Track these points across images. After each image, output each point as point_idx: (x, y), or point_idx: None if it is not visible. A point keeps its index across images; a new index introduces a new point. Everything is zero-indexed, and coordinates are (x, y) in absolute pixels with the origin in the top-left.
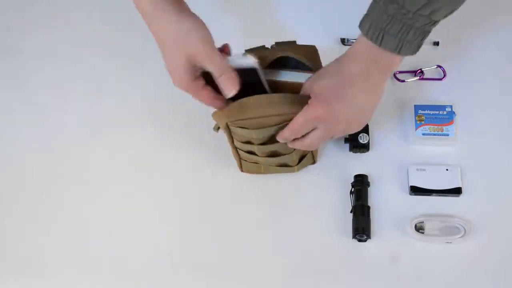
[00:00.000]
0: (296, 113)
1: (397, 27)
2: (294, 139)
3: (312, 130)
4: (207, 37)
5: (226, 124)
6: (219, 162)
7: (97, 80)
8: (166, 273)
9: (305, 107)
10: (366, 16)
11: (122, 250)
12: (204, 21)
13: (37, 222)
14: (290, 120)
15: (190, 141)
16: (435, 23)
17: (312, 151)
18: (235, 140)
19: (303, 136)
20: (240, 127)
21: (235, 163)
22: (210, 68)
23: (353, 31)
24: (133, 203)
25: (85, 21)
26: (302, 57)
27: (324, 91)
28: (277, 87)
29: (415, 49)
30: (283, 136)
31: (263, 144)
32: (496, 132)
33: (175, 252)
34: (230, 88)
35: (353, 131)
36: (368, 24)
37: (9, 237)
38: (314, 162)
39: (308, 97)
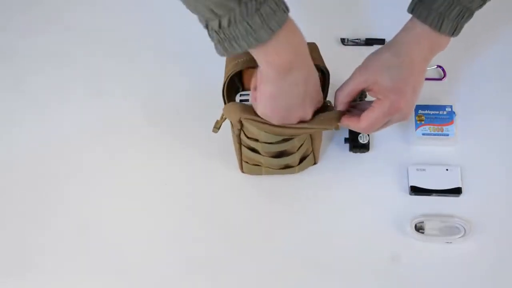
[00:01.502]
0: (310, 128)
1: (457, 11)
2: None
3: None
4: None
5: (240, 119)
6: (219, 162)
7: (97, 80)
8: (166, 273)
9: (380, 102)
10: (419, 2)
11: (122, 250)
12: None
13: (37, 222)
14: (308, 133)
15: (190, 141)
16: (485, 2)
17: (313, 152)
18: (242, 134)
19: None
20: (252, 125)
21: (236, 163)
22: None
23: (353, 31)
24: (133, 203)
25: (85, 20)
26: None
27: (398, 85)
28: None
29: (461, 31)
30: (359, 128)
31: (269, 143)
32: (496, 132)
33: (176, 252)
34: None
35: (411, 113)
36: (426, 11)
37: (9, 237)
38: (315, 163)
39: (340, 113)
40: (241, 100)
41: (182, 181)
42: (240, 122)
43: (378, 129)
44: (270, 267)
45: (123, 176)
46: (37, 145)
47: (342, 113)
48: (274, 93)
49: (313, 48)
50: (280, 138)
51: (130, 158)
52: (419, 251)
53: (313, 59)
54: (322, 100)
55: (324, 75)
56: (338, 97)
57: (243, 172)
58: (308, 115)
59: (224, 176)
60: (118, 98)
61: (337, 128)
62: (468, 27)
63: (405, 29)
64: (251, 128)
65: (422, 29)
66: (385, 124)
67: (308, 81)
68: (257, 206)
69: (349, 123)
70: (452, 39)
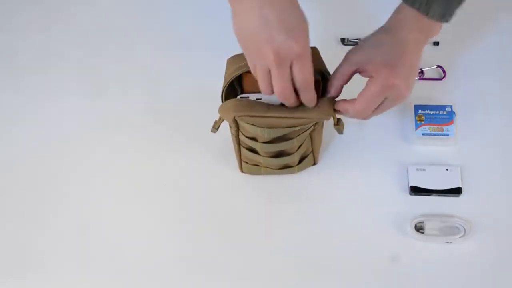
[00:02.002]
0: (305, 118)
1: None
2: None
3: (383, 102)
4: None
5: (234, 118)
6: (220, 162)
7: (97, 80)
8: (166, 273)
9: (374, 79)
10: None
11: (122, 250)
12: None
13: (37, 222)
14: (304, 123)
15: (191, 141)
16: None
17: (313, 153)
18: (240, 134)
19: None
20: (248, 123)
21: (236, 163)
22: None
23: (353, 31)
24: (133, 203)
25: (85, 20)
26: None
27: (390, 62)
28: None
29: (452, 17)
30: (355, 110)
31: (268, 142)
32: (496, 132)
33: (176, 251)
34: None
35: (409, 95)
36: None
37: (9, 237)
38: (315, 163)
39: (332, 99)
40: None
41: (182, 181)
42: (235, 121)
43: (375, 111)
44: (270, 267)
45: (123, 176)
46: (37, 145)
47: (333, 99)
48: (236, 12)
49: (314, 53)
50: (279, 134)
51: (130, 158)
52: (419, 251)
53: (314, 63)
54: (304, 27)
55: (325, 79)
56: (332, 81)
57: (242, 172)
58: (290, 46)
59: (224, 176)
60: (118, 98)
61: (339, 131)
62: (468, 27)
63: (395, 12)
64: (247, 127)
65: (411, 13)
66: (382, 106)
67: (263, 5)
68: (257, 206)
69: (346, 105)
70: (453, 39)
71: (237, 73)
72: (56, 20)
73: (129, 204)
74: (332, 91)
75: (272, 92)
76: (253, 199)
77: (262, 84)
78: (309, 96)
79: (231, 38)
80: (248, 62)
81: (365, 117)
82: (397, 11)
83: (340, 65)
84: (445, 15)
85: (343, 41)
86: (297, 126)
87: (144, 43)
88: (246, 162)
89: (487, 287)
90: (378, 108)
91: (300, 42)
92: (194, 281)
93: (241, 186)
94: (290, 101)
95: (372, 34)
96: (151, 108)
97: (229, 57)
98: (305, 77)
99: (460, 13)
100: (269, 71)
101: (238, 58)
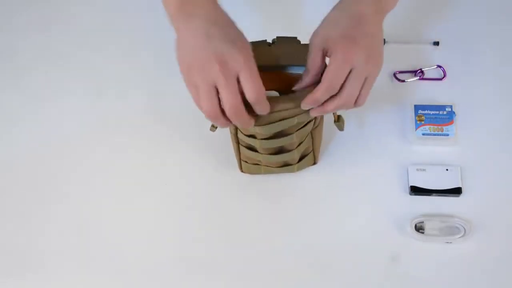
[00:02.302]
0: (298, 107)
1: None
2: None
3: (347, 79)
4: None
5: None
6: (220, 162)
7: (97, 80)
8: (166, 272)
9: (334, 53)
10: None
11: (121, 250)
12: None
13: (37, 222)
14: (296, 115)
15: (191, 141)
16: None
17: (313, 152)
18: (239, 132)
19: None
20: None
21: (235, 163)
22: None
23: None
24: (132, 202)
25: (85, 20)
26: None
27: (347, 32)
28: (292, 78)
29: None
30: (320, 92)
31: (267, 139)
32: (496, 132)
33: (176, 251)
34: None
35: (379, 69)
36: None
37: (9, 237)
38: (314, 162)
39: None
40: None
41: (182, 181)
42: None
43: (359, 96)
44: (270, 267)
45: (123, 176)
46: (37, 145)
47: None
48: (181, 33)
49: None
50: (276, 130)
51: (130, 158)
52: (419, 251)
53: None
54: (246, 41)
55: None
56: (304, 73)
57: (242, 171)
58: (234, 56)
59: (224, 176)
60: (118, 98)
61: (340, 127)
62: (468, 27)
63: None
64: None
65: None
66: (349, 82)
67: (209, 25)
68: (257, 206)
69: (311, 95)
70: (453, 39)
71: None
72: (56, 20)
73: (129, 204)
74: (307, 79)
75: (220, 112)
76: (253, 199)
77: (207, 104)
78: (263, 108)
79: None
80: (189, 86)
81: (331, 90)
82: None
83: (308, 54)
84: None
85: None
86: (292, 117)
87: (144, 43)
88: (246, 162)
89: (486, 287)
90: (361, 93)
91: (244, 53)
92: (193, 281)
93: (240, 186)
94: (242, 118)
95: (328, 13)
96: (151, 108)
97: None
98: (255, 86)
99: (460, 13)
100: (215, 86)
101: None
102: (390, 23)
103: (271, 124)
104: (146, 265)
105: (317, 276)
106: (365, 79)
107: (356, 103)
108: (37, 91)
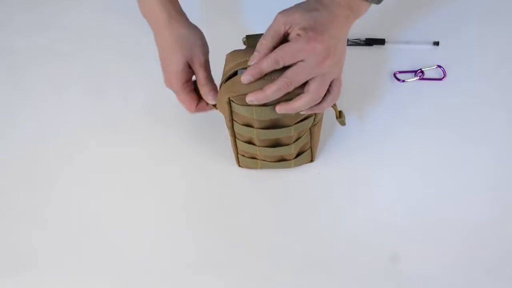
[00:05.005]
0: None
1: None
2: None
3: (298, 63)
4: (207, 47)
5: (229, 99)
6: (220, 162)
7: (96, 79)
8: (164, 270)
9: (297, 37)
10: None
11: (121, 248)
12: (203, 17)
13: (36, 222)
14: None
15: (191, 139)
16: None
17: (311, 149)
18: (235, 125)
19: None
20: (242, 104)
21: (233, 159)
22: (200, 74)
23: (353, 31)
24: (132, 202)
25: (85, 20)
26: None
27: (316, 24)
28: None
29: None
30: (265, 63)
31: (264, 128)
32: (496, 132)
33: (174, 248)
34: (210, 98)
35: (339, 71)
36: None
37: (8, 237)
38: (312, 160)
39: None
40: None
41: (182, 180)
42: (229, 104)
43: (312, 88)
44: (270, 266)
45: (122, 175)
46: (36, 145)
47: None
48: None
49: None
50: (272, 117)
51: (129, 158)
52: (419, 251)
53: None
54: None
55: None
56: (261, 41)
57: (239, 166)
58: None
59: (223, 171)
60: (118, 97)
61: (342, 123)
62: (468, 27)
63: None
64: (242, 110)
65: None
66: (315, 81)
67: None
68: (257, 206)
69: (263, 60)
70: (453, 39)
71: (236, 68)
72: (56, 20)
73: (128, 203)
74: (261, 50)
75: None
76: (253, 199)
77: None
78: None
79: (231, 37)
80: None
81: (314, 97)
82: None
83: (269, 26)
84: None
85: None
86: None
87: (144, 43)
88: (243, 156)
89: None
90: (329, 91)
91: (173, 79)
92: (192, 279)
93: (239, 181)
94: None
95: (305, 1)
96: (151, 107)
97: (228, 53)
98: (186, 106)
99: (460, 13)
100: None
101: (238, 54)
102: (390, 23)
103: (267, 107)
104: (145, 264)
105: (316, 276)
106: (331, 80)
107: (323, 100)
108: (37, 91)
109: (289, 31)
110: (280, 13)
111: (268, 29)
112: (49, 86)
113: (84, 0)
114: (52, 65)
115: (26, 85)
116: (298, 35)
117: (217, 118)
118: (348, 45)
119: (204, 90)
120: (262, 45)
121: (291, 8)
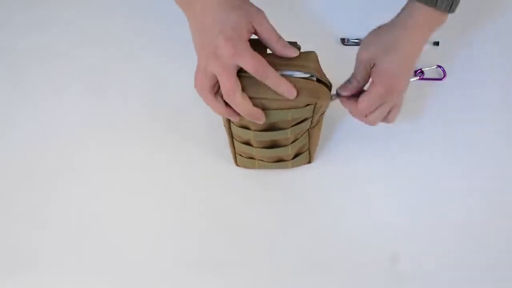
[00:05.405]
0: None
1: None
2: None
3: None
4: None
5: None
6: (220, 162)
7: (96, 79)
8: (163, 270)
9: (376, 86)
10: None
11: (120, 248)
12: None
13: (36, 222)
14: (291, 107)
15: (190, 139)
16: None
17: (309, 150)
18: (232, 126)
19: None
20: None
21: (231, 158)
22: (270, 29)
23: (353, 31)
24: (131, 202)
25: (85, 20)
26: (304, 68)
27: (395, 70)
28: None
29: (457, 6)
30: (356, 112)
31: (260, 131)
32: (496, 132)
33: (174, 247)
34: (292, 51)
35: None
36: None
37: (8, 237)
38: (309, 161)
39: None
40: None
41: (182, 180)
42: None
43: (374, 115)
44: (270, 266)
45: (122, 175)
46: (36, 145)
47: (328, 91)
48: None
49: (312, 58)
50: (269, 121)
51: (129, 157)
52: (419, 251)
53: (314, 66)
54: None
55: (327, 87)
56: (352, 77)
57: (237, 165)
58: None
59: (225, 176)
60: (118, 97)
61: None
62: (468, 27)
63: (403, 9)
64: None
65: (418, 7)
66: (380, 108)
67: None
68: (257, 206)
69: (349, 105)
70: (453, 39)
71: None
72: (56, 20)
73: (128, 203)
74: (348, 89)
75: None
76: (253, 199)
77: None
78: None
79: None
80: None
81: (363, 113)
82: (405, 8)
83: (355, 67)
84: (452, 5)
85: (343, 41)
86: (288, 109)
87: (144, 43)
88: (241, 155)
89: (486, 286)
90: (389, 115)
91: (226, 52)
92: (192, 279)
93: (237, 181)
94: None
95: (379, 33)
96: (151, 107)
97: None
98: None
99: (460, 13)
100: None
101: None
102: None
103: (264, 111)
104: (144, 262)
105: (316, 276)
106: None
107: (383, 121)
108: (37, 91)
109: (371, 66)
110: (361, 48)
111: (356, 68)
112: (49, 86)
113: (84, 0)
114: (52, 65)
115: (26, 85)
116: (378, 82)
117: (216, 118)
118: (348, 45)
119: (283, 43)
120: (359, 84)
121: (370, 40)
